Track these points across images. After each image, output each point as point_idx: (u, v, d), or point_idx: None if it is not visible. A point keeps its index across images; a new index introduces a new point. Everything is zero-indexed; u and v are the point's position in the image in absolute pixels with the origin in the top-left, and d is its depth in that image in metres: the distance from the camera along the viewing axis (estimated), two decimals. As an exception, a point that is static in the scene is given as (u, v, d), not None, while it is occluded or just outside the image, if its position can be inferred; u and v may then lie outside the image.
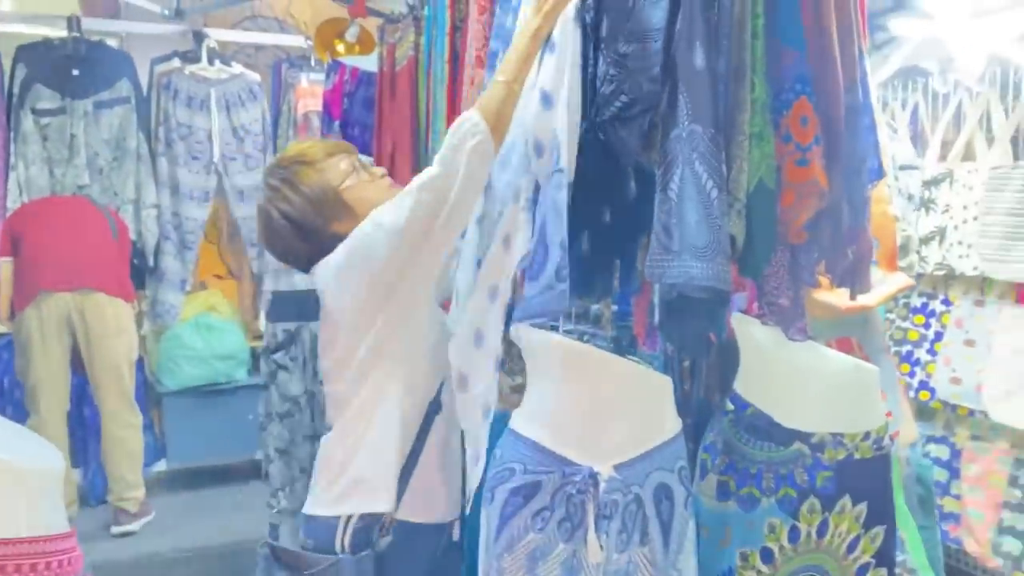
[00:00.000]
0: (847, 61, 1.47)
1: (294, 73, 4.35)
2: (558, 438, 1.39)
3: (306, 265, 1.63)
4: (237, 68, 4.24)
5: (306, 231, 1.59)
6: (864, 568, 1.54)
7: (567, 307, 1.50)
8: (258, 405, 4.08)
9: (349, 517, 1.53)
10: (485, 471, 1.45)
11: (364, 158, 1.72)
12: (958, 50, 2.62)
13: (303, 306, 3.35)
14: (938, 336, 2.96)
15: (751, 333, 1.54)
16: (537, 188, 1.50)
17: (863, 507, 1.52)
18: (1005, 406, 2.70)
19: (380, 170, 1.67)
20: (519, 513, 1.37)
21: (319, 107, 4.30)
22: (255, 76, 4.28)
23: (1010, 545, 2.76)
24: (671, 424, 1.45)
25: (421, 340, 1.57)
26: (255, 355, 4.28)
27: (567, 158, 1.42)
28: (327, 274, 1.56)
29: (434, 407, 1.58)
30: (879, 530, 1.53)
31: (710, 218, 1.29)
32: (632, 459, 1.39)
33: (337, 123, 3.43)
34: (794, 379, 1.52)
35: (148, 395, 4.06)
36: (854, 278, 1.53)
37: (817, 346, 1.53)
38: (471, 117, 1.49)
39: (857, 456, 1.51)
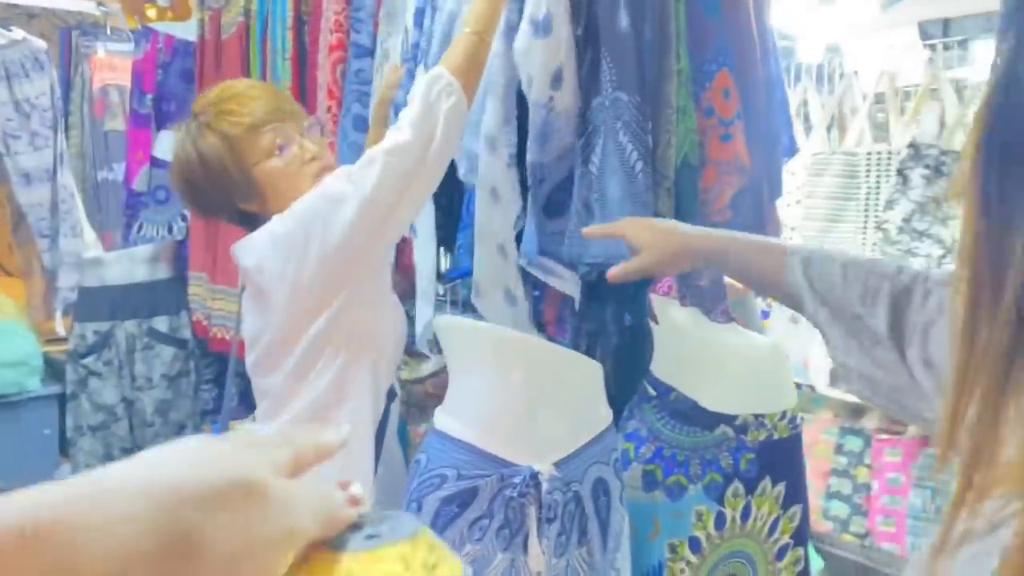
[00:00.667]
0: (761, 31, 1.44)
1: (88, 42, 3.86)
2: (493, 437, 1.25)
3: (212, 216, 1.52)
4: (19, 33, 3.69)
5: (205, 195, 1.43)
6: (783, 549, 1.52)
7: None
8: (58, 418, 3.62)
9: None
10: (410, 480, 1.29)
11: (314, 120, 1.51)
12: (799, 38, 2.72)
13: (117, 303, 2.99)
14: (765, 314, 3.09)
15: (670, 315, 1.48)
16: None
17: (782, 487, 1.50)
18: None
19: (313, 149, 1.44)
20: (454, 524, 1.23)
21: (119, 80, 3.87)
22: (40, 43, 3.75)
23: (837, 509, 2.94)
24: (604, 412, 1.36)
25: (386, 319, 1.41)
26: (49, 361, 3.77)
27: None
28: (258, 252, 1.36)
29: (391, 394, 1.45)
30: (796, 509, 1.52)
31: (634, 193, 1.21)
32: (571, 454, 1.29)
33: (150, 97, 3.06)
34: (716, 361, 1.47)
35: (-84, 412, 3.46)
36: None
37: (736, 327, 1.50)
38: (442, 75, 1.31)
39: (776, 436, 1.50)
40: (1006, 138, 0.43)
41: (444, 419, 1.29)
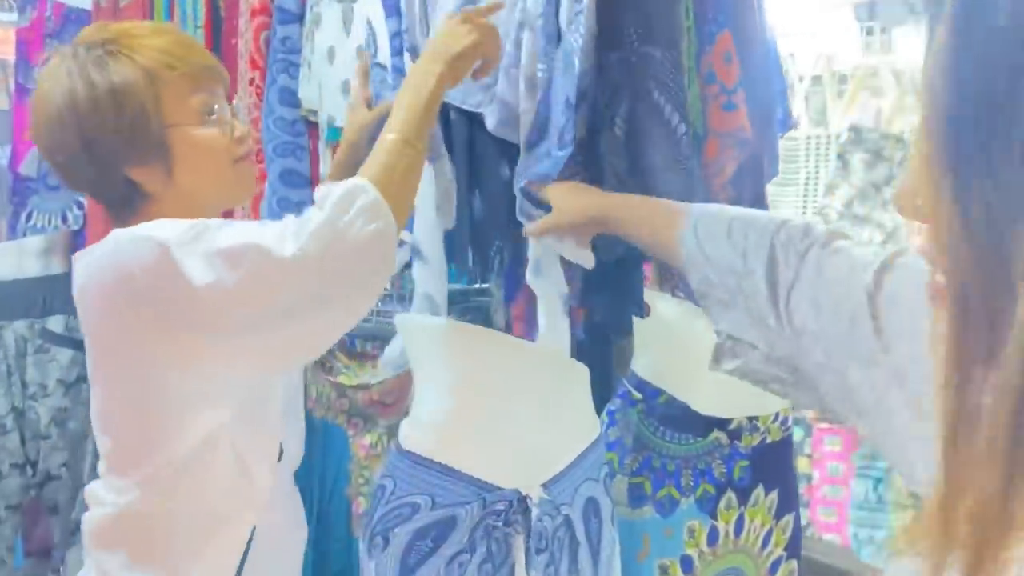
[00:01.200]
0: (757, -11, 1.30)
1: (-37, 10, 3.47)
2: (471, 456, 1.07)
3: (92, 191, 1.15)
4: None
5: (93, 146, 1.05)
6: (777, 563, 1.40)
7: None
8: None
9: None
10: (372, 509, 1.09)
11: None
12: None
13: (5, 301, 2.67)
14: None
15: (657, 308, 1.33)
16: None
17: (775, 495, 1.38)
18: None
19: (243, 128, 1.14)
20: (428, 561, 1.04)
21: (5, 54, 3.50)
22: (-91, 11, 3.36)
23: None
24: (592, 422, 1.19)
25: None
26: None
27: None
28: (85, 273, 1.05)
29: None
30: (789, 518, 1.40)
31: (678, 159, 1.04)
32: (560, 472, 1.12)
33: (36, 68, 2.75)
34: (708, 359, 1.33)
35: None
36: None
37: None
38: (363, 187, 0.97)
39: (769, 439, 1.37)
40: (970, 129, 0.38)
41: (412, 435, 1.10)
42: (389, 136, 1.03)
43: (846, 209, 2.79)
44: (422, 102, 1.05)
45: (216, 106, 1.10)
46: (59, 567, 2.48)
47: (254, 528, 1.07)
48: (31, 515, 2.76)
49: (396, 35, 1.32)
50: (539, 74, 1.11)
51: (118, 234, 1.02)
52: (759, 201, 1.30)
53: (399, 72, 1.34)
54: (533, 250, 1.17)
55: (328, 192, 0.98)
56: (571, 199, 1.06)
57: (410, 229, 1.28)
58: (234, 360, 1.00)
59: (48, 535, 2.87)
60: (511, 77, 1.16)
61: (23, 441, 2.61)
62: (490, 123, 1.19)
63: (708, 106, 1.21)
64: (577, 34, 1.04)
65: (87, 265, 1.04)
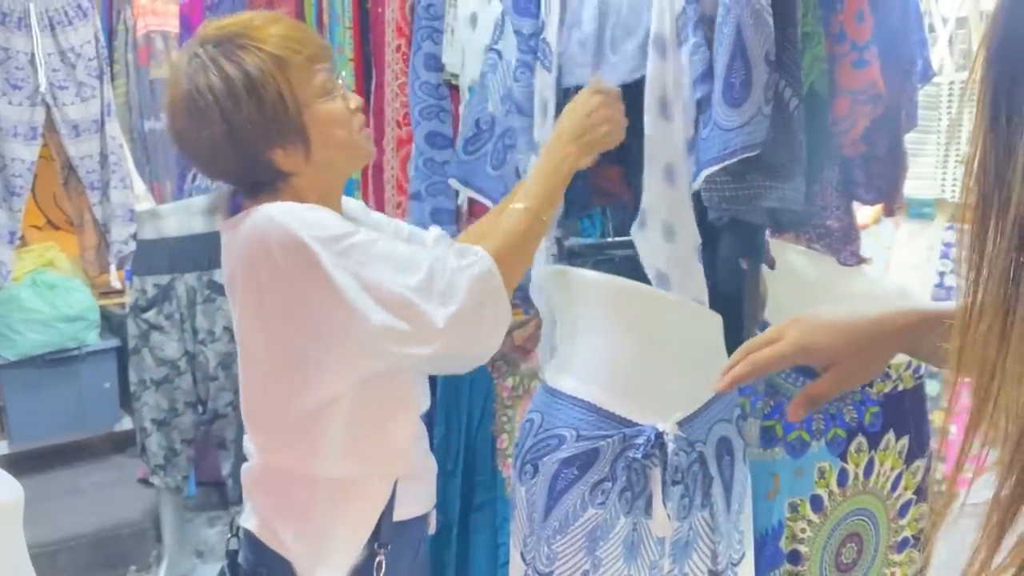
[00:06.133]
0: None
1: (129, -13, 3.76)
2: (614, 395, 1.16)
3: (232, 179, 1.21)
4: (59, -21, 3.59)
5: (236, 136, 1.13)
6: (906, 505, 1.43)
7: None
8: (116, 372, 3.61)
9: None
10: (522, 440, 1.21)
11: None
12: None
13: (175, 256, 2.94)
14: (857, 259, 2.98)
15: (788, 260, 1.38)
16: None
17: (905, 441, 1.41)
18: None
19: (356, 99, 1.23)
20: (574, 487, 1.15)
21: (163, 26, 3.77)
22: (82, -11, 3.65)
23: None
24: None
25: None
26: (106, 315, 3.76)
27: None
28: (235, 248, 1.16)
29: None
30: (919, 464, 1.43)
31: (789, 132, 1.09)
32: (694, 412, 1.20)
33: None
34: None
35: (-21, 369, 3.46)
36: (895, 191, 1.38)
37: (863, 270, 1.39)
38: (492, 274, 1.10)
39: (900, 387, 1.40)
40: (1012, 54, 0.43)
41: (557, 376, 1.21)
42: (519, 206, 1.15)
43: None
44: (555, 182, 1.17)
45: (327, 80, 1.18)
46: (233, 496, 2.74)
47: (395, 485, 1.20)
48: (201, 449, 3.05)
49: (533, 36, 1.36)
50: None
51: (267, 215, 1.10)
52: (895, 152, 1.32)
53: (528, 69, 1.38)
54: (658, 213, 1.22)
55: (457, 264, 1.10)
56: (843, 346, 0.86)
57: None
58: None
59: (216, 468, 3.16)
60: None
61: (195, 382, 2.88)
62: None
63: (839, 64, 1.24)
64: None
65: (241, 235, 1.13)
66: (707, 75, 1.12)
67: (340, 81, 1.23)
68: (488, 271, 1.10)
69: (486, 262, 1.10)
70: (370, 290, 1.06)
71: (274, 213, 1.10)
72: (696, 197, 1.19)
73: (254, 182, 1.18)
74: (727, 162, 1.07)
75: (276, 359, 1.16)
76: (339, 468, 1.17)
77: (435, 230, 1.42)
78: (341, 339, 1.10)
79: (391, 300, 1.06)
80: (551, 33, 1.32)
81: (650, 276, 1.22)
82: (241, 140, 1.13)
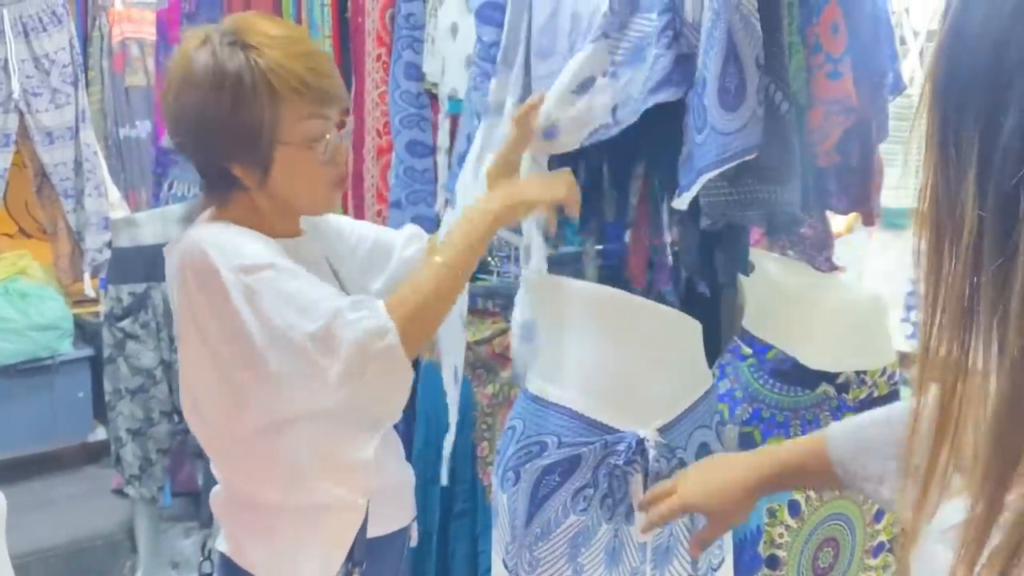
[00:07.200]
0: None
1: (105, -7, 3.73)
2: (595, 401, 1.17)
3: (196, 167, 1.19)
4: (33, -16, 3.56)
5: (205, 127, 1.12)
6: (882, 510, 1.46)
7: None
8: (90, 381, 3.57)
9: None
10: (504, 448, 1.21)
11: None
12: None
13: (152, 264, 2.90)
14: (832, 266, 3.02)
15: (765, 267, 1.40)
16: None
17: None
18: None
19: (342, 154, 1.20)
20: (556, 494, 1.16)
21: (139, 34, 3.75)
22: (57, -6, 3.62)
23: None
24: (704, 374, 1.28)
25: None
26: (80, 323, 3.72)
27: None
28: (169, 271, 1.16)
29: None
30: (895, 469, 1.45)
31: (781, 134, 1.11)
32: (675, 418, 1.21)
33: (175, 48, 2.95)
34: (816, 315, 1.39)
35: (-50, 379, 3.41)
36: (867, 201, 1.41)
37: (837, 277, 1.41)
38: (387, 331, 1.05)
39: (876, 394, 1.42)
40: (957, 85, 0.44)
41: (539, 383, 1.21)
42: (437, 259, 1.12)
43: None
44: (475, 239, 1.14)
45: (327, 135, 1.14)
46: (207, 507, 2.72)
47: (368, 507, 1.18)
48: (177, 459, 3.02)
49: (494, 45, 1.38)
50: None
51: (193, 240, 1.10)
52: (867, 163, 1.34)
53: (487, 77, 1.39)
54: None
55: (348, 318, 1.05)
56: (717, 498, 1.00)
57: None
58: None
59: (192, 478, 3.14)
60: None
61: (171, 391, 2.85)
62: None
63: (814, 75, 1.26)
64: None
65: (173, 262, 1.13)
66: (664, 83, 1.13)
67: (334, 132, 1.17)
68: (378, 329, 1.05)
69: (378, 320, 1.06)
70: (271, 332, 1.05)
71: (199, 240, 1.10)
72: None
73: (211, 180, 1.17)
74: (726, 166, 1.07)
75: (221, 381, 1.14)
76: (302, 493, 1.16)
77: (409, 227, 1.42)
78: (249, 375, 1.10)
79: (288, 347, 1.05)
80: (506, 42, 1.34)
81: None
82: (206, 138, 1.12)
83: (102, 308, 3.08)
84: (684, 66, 1.12)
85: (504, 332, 1.74)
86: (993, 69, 0.41)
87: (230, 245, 1.09)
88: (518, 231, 1.33)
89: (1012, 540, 0.41)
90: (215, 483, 1.26)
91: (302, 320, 1.04)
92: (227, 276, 1.05)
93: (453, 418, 1.46)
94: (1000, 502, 0.42)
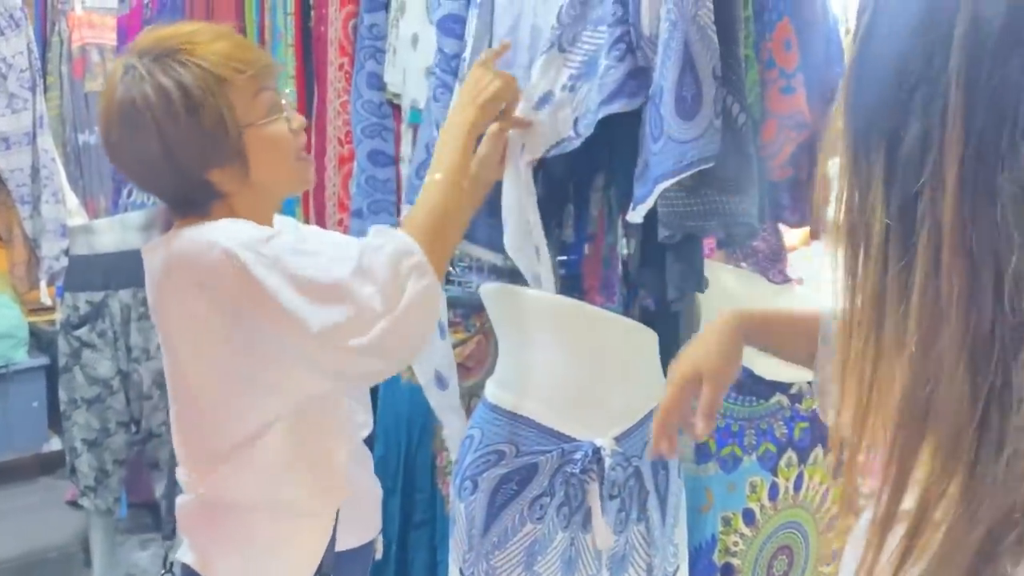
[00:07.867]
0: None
1: (64, -2, 3.69)
2: (551, 410, 1.18)
3: (166, 195, 1.17)
4: (-9, -11, 3.51)
5: (173, 154, 1.08)
6: (836, 518, 1.48)
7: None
8: (45, 391, 3.51)
9: None
10: (462, 457, 1.22)
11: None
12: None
13: (110, 272, 2.87)
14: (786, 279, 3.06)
15: (720, 279, 1.42)
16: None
17: (832, 456, 1.46)
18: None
19: (299, 120, 1.19)
20: (513, 502, 1.17)
21: (99, 39, 3.71)
22: None
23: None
24: (660, 383, 1.29)
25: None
26: (35, 332, 3.66)
27: None
28: (160, 270, 1.12)
29: None
30: (847, 477, 1.48)
31: (739, 147, 1.13)
32: (631, 427, 1.22)
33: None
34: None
35: (-101, 388, 3.34)
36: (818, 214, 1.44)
37: (792, 288, 1.44)
38: (412, 251, 1.06)
39: (828, 403, 1.45)
40: (865, 104, 0.47)
41: (497, 391, 1.22)
42: (436, 176, 1.14)
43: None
44: (463, 144, 1.16)
45: (283, 102, 1.16)
46: (166, 518, 2.68)
47: (337, 515, 1.18)
48: (134, 470, 2.97)
49: (455, 57, 1.39)
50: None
51: (189, 237, 1.07)
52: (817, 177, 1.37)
53: (447, 89, 1.40)
54: None
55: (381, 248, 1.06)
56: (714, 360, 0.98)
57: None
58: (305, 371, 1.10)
59: (149, 489, 3.09)
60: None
61: (128, 401, 2.81)
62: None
63: (767, 90, 1.28)
64: (706, 8, 1.09)
65: (162, 262, 1.10)
66: (617, 94, 1.15)
67: (284, 101, 1.19)
68: (405, 248, 1.06)
69: (402, 241, 1.07)
70: (304, 289, 1.03)
71: (196, 234, 1.08)
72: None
73: (187, 200, 1.15)
74: (683, 175, 1.08)
75: (213, 385, 1.12)
76: (278, 496, 1.15)
77: (375, 228, 1.42)
78: (279, 355, 1.07)
79: (326, 292, 1.03)
80: (471, 55, 1.35)
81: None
82: (178, 158, 1.09)
83: (58, 316, 3.04)
84: (639, 78, 1.14)
85: (465, 342, 1.75)
86: (895, 84, 0.44)
87: (231, 228, 1.07)
88: (496, 248, 1.34)
89: (903, 545, 0.43)
90: (177, 494, 1.24)
91: (337, 265, 1.05)
92: (241, 252, 1.03)
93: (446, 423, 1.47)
94: (899, 498, 0.44)
